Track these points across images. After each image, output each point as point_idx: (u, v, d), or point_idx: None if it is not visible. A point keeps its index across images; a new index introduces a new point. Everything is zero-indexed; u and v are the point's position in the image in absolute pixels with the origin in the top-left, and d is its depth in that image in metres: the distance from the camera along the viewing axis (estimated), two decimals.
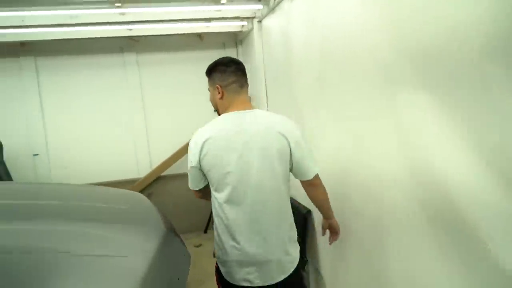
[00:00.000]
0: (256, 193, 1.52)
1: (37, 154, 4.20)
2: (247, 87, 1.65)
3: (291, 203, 1.68)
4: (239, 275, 1.55)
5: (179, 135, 4.29)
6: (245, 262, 1.54)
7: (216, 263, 1.67)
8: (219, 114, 1.65)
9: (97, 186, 2.08)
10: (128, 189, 4.08)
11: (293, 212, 1.67)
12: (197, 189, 1.65)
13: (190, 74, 4.35)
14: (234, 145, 1.50)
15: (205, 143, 1.51)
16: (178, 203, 4.31)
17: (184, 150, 4.29)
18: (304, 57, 2.37)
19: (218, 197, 1.55)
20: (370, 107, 1.61)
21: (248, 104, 1.62)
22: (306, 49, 2.31)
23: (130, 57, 4.26)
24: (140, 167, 4.43)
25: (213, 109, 1.72)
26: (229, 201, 1.53)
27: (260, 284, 1.55)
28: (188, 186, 1.69)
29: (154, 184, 4.40)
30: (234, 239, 1.54)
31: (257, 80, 3.70)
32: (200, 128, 1.59)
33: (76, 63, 4.19)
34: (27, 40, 3.64)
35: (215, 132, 1.53)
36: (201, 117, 4.31)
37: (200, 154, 1.52)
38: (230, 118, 1.56)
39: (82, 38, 3.64)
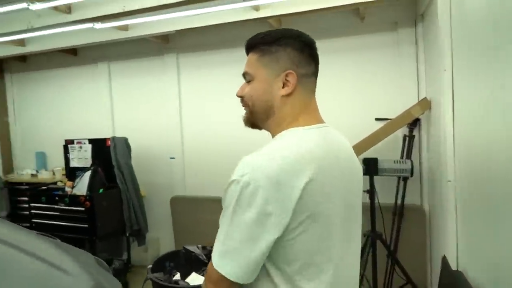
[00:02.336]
0: (355, 271, 0.97)
1: (173, 158, 3.93)
2: None
3: None
4: None
5: None
6: None
7: None
8: (255, 126, 0.98)
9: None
10: None
11: None
12: (248, 282, 0.83)
13: (347, 66, 3.20)
14: (339, 182, 0.88)
15: (311, 182, 0.80)
16: None
17: None
18: None
19: (304, 279, 0.83)
20: None
21: (320, 116, 0.98)
22: None
23: None
24: None
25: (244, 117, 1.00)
26: (321, 278, 0.84)
27: None
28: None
29: None
30: None
31: (437, 75, 2.22)
32: (261, 157, 0.83)
33: (214, 60, 3.70)
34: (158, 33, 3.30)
35: (315, 163, 0.83)
36: (365, 123, 3.27)
37: (298, 201, 0.79)
38: (321, 136, 0.90)
39: (217, 28, 3.10)
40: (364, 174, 2.54)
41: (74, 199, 3.11)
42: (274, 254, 0.82)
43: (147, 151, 3.99)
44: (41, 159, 4.56)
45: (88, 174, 3.34)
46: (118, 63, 4.10)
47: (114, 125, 4.20)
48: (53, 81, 4.45)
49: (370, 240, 2.52)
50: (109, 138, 3.43)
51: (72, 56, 4.22)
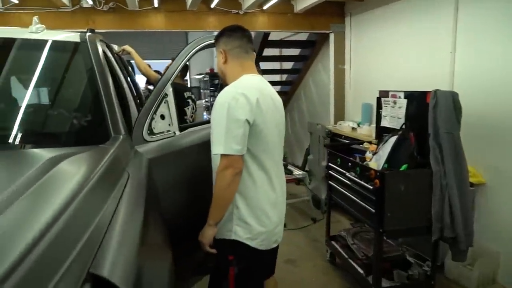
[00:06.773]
0: (280, 157, 1.70)
1: None
2: (254, 55, 1.68)
3: None
4: (275, 237, 1.65)
5: None
6: (280, 221, 1.66)
7: (232, 255, 1.55)
8: (223, 83, 1.66)
9: None
10: None
11: None
12: (244, 152, 1.49)
13: None
14: (273, 106, 1.60)
15: (258, 99, 1.49)
16: None
17: None
18: None
19: (263, 159, 1.56)
20: None
21: (255, 70, 1.67)
22: None
23: None
24: None
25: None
26: (270, 161, 1.59)
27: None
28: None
29: None
30: (272, 203, 1.60)
31: None
32: (232, 87, 1.54)
33: None
34: None
35: (257, 90, 1.53)
36: None
37: (256, 109, 1.48)
38: (257, 79, 1.62)
39: None
40: None
41: (364, 171, 2.34)
42: (248, 142, 1.48)
43: (491, 116, 2.52)
44: (367, 112, 4.06)
45: (393, 139, 2.44)
46: None
47: (454, 74, 2.94)
48: (389, 19, 3.67)
49: None
50: (429, 92, 2.31)
51: None
